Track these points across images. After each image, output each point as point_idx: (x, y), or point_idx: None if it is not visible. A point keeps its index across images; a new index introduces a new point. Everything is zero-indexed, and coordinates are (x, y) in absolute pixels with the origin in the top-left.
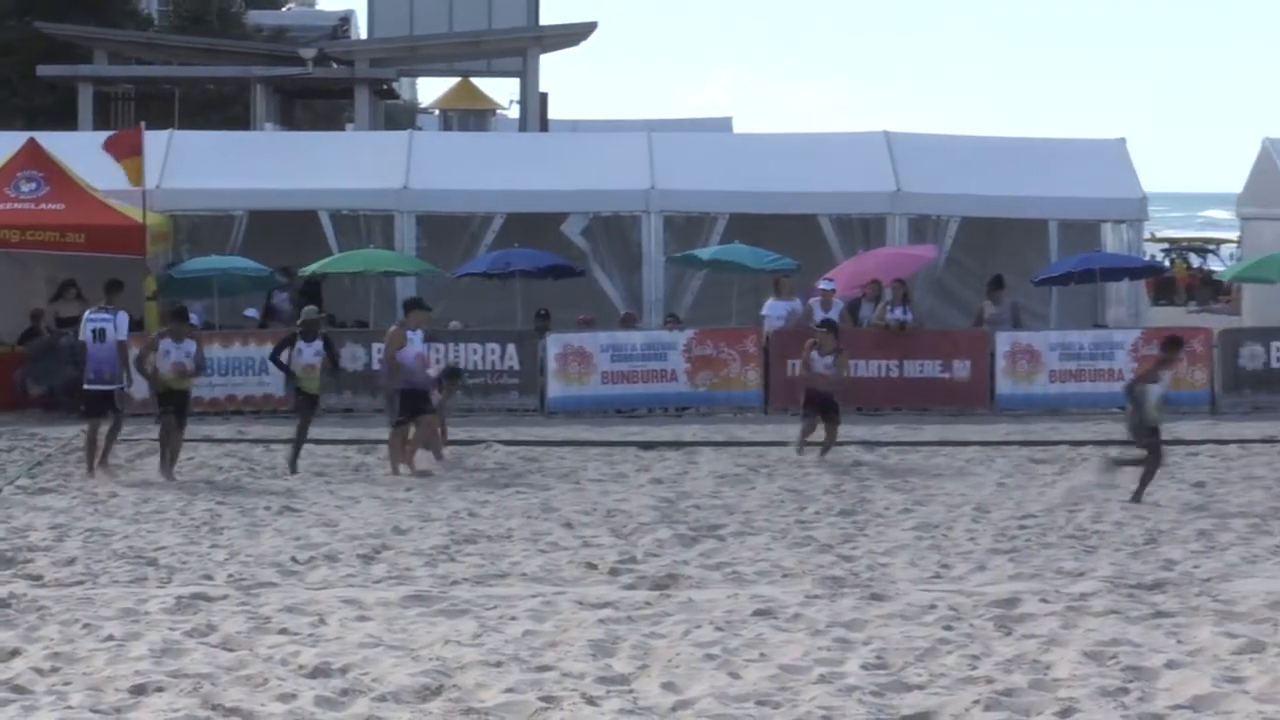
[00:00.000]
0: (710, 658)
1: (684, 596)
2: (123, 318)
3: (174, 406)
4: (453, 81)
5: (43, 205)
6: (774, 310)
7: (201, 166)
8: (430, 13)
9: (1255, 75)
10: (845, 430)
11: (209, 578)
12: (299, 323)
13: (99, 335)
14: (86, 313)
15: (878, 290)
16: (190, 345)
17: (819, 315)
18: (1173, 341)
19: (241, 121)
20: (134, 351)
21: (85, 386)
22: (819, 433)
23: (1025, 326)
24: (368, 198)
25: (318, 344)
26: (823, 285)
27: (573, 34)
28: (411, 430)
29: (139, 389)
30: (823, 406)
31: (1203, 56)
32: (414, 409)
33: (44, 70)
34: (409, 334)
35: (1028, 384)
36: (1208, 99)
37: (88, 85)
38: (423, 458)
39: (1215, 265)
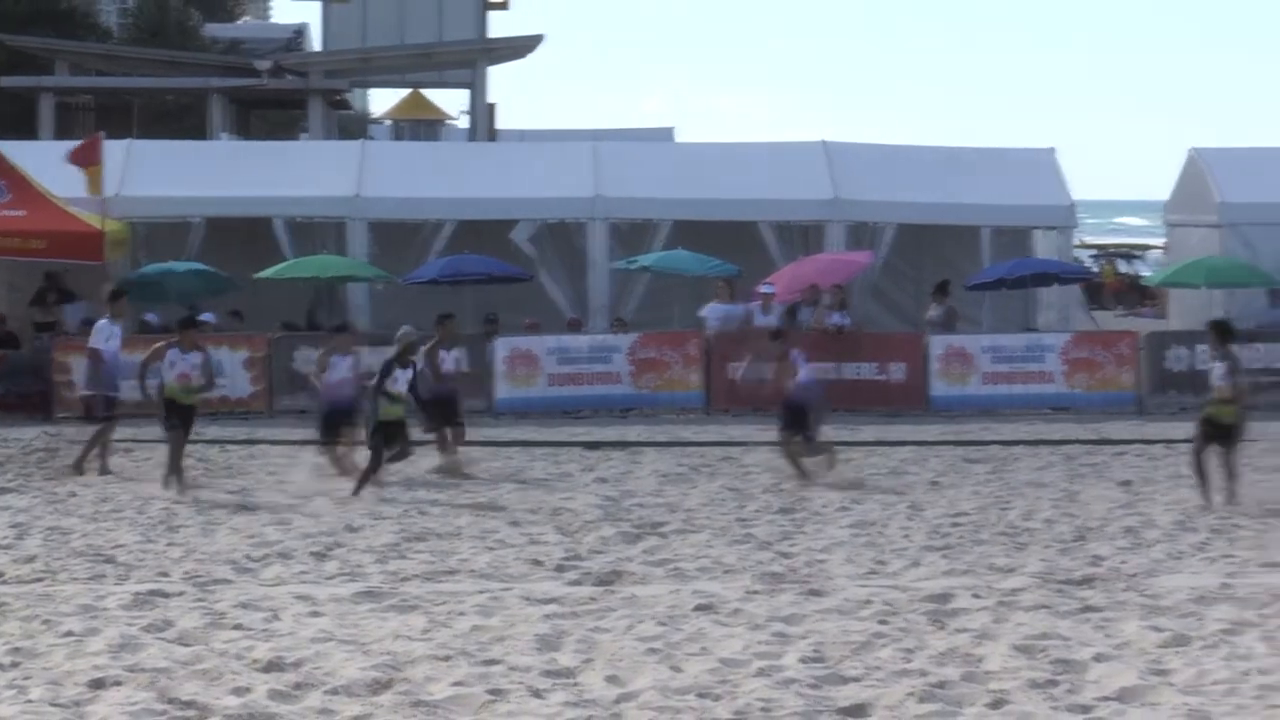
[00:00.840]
0: (653, 651)
1: (627, 592)
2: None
3: (179, 420)
4: (404, 92)
5: (4, 212)
6: (714, 312)
7: (159, 175)
8: (382, 26)
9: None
10: None
11: (166, 575)
12: (398, 343)
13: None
14: (102, 322)
15: (815, 295)
16: (197, 356)
17: (760, 319)
18: None
19: (198, 131)
20: (131, 359)
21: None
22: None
23: (959, 330)
24: (321, 205)
25: (409, 371)
26: (763, 289)
27: (520, 47)
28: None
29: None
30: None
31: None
32: (335, 427)
33: (6, 81)
34: (335, 359)
35: (961, 385)
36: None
37: (49, 95)
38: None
39: (1143, 270)
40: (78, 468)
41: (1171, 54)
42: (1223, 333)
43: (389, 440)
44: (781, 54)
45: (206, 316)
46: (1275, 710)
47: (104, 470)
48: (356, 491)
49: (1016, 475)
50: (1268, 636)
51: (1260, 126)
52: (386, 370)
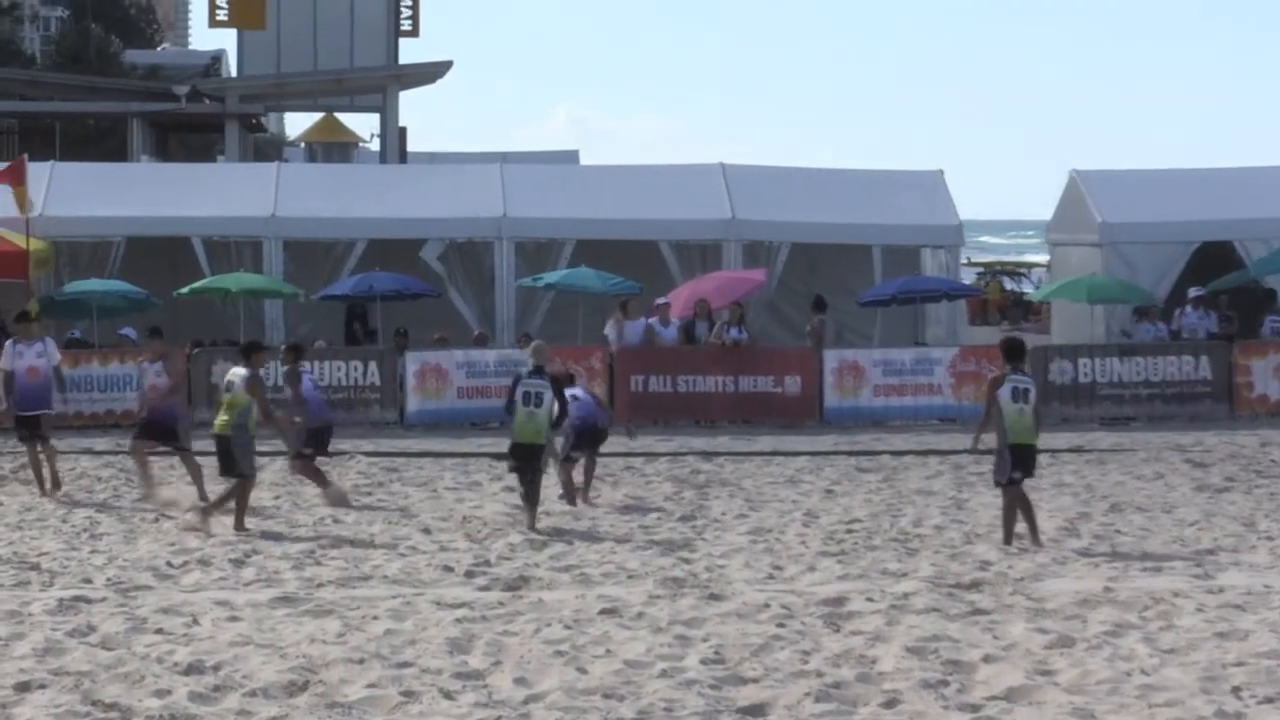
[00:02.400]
0: (559, 654)
1: (535, 597)
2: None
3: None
4: (318, 116)
5: None
6: (615, 330)
7: (81, 196)
8: (296, 52)
9: (1060, 112)
10: (683, 442)
11: (89, 581)
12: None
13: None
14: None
15: (706, 310)
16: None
17: (660, 332)
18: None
19: (119, 154)
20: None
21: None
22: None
23: (848, 344)
24: (237, 225)
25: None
26: (660, 301)
27: (430, 73)
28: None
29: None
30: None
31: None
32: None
33: None
34: (145, 364)
35: (854, 398)
36: (1018, 134)
37: None
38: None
39: (1026, 288)
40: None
41: (1053, 79)
42: (1012, 352)
43: (521, 468)
44: (681, 79)
45: (127, 331)
46: (1156, 709)
47: (49, 485)
48: (531, 524)
49: (907, 483)
50: (1148, 638)
51: (1137, 150)
52: (516, 385)
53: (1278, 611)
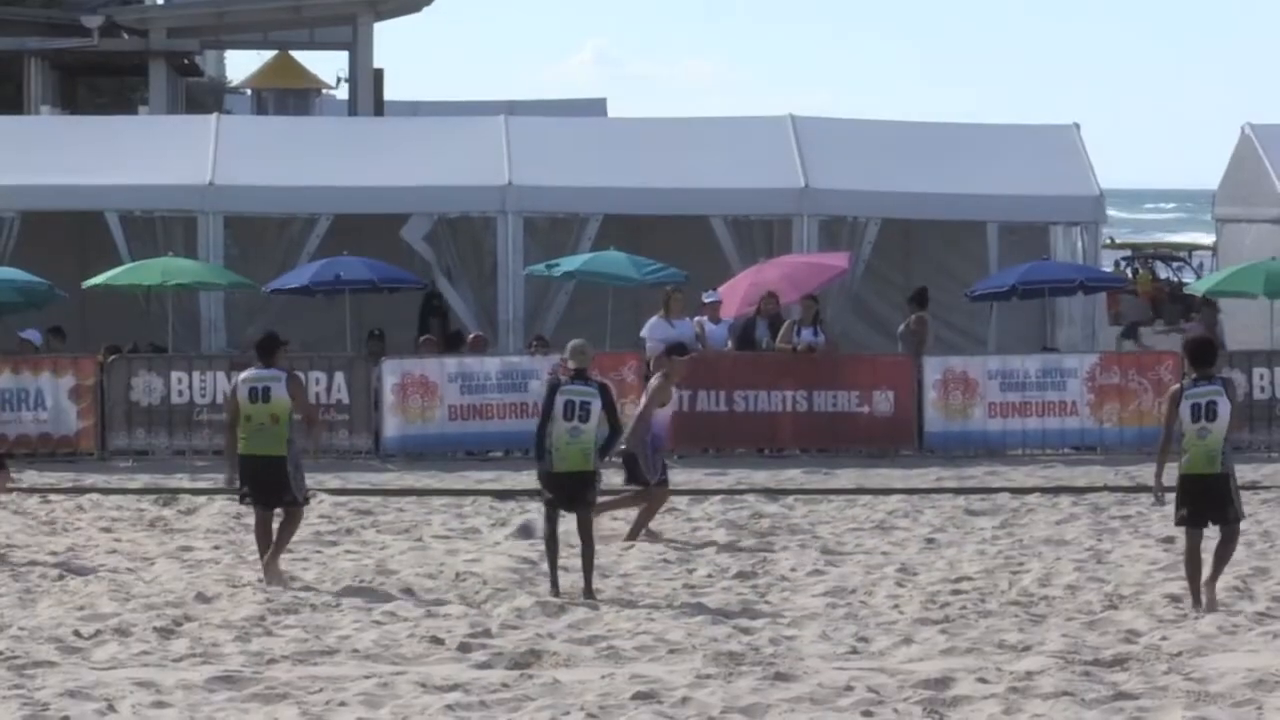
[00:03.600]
0: None
1: (549, 677)
2: None
3: None
4: (268, 55)
5: None
6: (656, 331)
7: None
8: None
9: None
10: (743, 476)
11: None
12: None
13: None
14: None
15: (774, 306)
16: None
17: (710, 333)
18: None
19: (13, 104)
20: None
21: None
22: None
23: (955, 350)
24: (165, 196)
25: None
26: (708, 298)
27: None
28: None
29: None
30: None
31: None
32: None
33: None
34: None
35: (962, 419)
36: (1173, 81)
37: None
38: None
39: (1187, 277)
40: None
41: (1218, 15)
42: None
43: (559, 503)
44: (737, 10)
45: (29, 335)
46: None
47: None
48: (554, 587)
49: (1032, 530)
50: None
51: None
52: (553, 394)
53: None
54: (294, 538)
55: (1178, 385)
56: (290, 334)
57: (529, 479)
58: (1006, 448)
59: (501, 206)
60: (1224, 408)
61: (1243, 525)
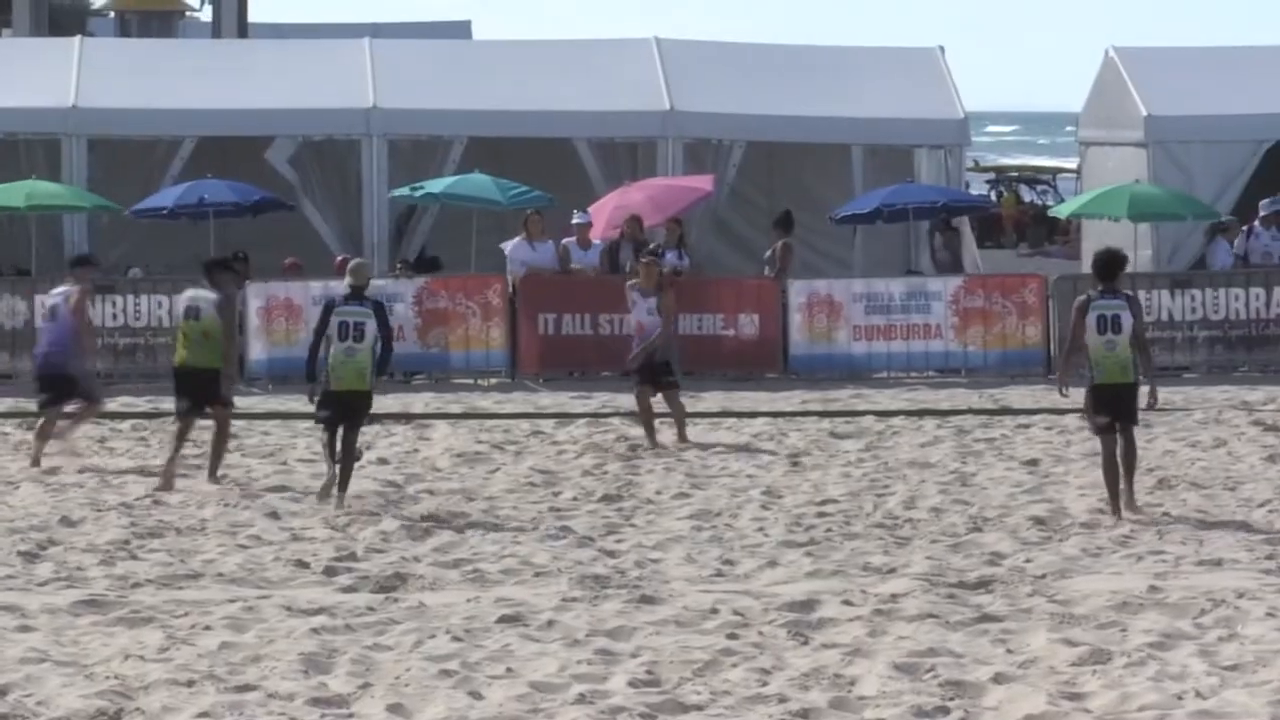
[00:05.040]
0: (446, 674)
1: (414, 600)
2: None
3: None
4: None
5: None
6: (519, 251)
7: None
8: None
9: None
10: (608, 399)
11: None
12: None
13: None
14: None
15: (637, 229)
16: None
17: (577, 257)
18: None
19: None
20: None
21: None
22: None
23: (819, 273)
24: (28, 119)
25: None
26: (577, 219)
27: None
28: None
29: None
30: (648, 372)
31: None
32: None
33: None
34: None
35: (827, 342)
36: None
37: None
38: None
39: (1050, 200)
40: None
41: None
42: (1106, 267)
43: (335, 422)
44: None
45: None
46: None
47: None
48: (329, 491)
49: (896, 453)
50: (1205, 651)
51: (1192, 23)
52: (328, 314)
53: None
54: (161, 461)
55: (1084, 296)
56: (154, 258)
57: (395, 402)
58: (871, 371)
59: (366, 129)
60: (1127, 321)
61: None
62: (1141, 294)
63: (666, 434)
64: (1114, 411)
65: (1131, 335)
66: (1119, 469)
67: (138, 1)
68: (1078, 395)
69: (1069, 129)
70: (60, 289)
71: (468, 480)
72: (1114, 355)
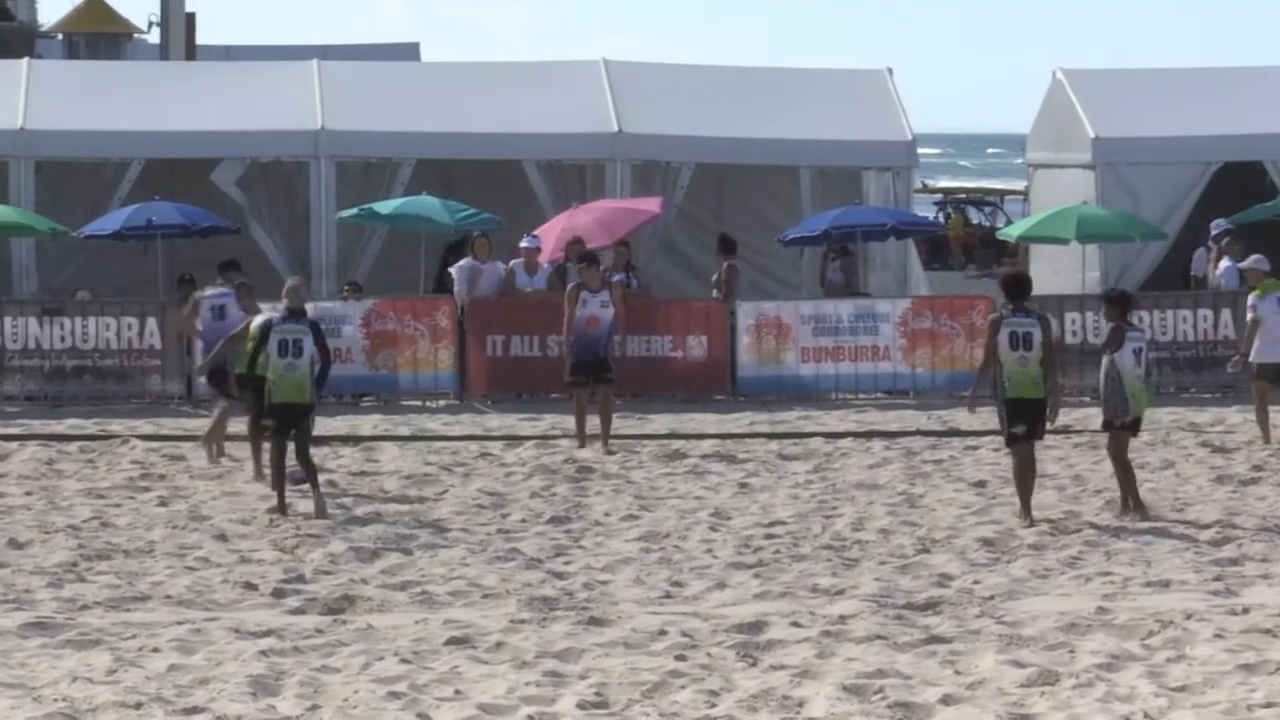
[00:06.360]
0: (395, 695)
1: (362, 622)
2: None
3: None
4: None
5: None
6: (464, 272)
7: None
8: None
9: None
10: (557, 420)
11: None
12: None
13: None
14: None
15: (580, 251)
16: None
17: (522, 281)
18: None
19: None
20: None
21: None
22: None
23: (768, 295)
24: None
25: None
26: (525, 243)
27: None
28: None
29: None
30: (594, 368)
31: None
32: None
33: None
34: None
35: (775, 364)
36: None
37: None
38: None
39: (999, 222)
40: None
41: None
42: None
43: (283, 431)
44: None
45: None
46: None
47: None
48: (281, 505)
49: (844, 475)
50: (1153, 673)
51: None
52: (267, 333)
53: None
54: (108, 484)
55: (997, 314)
56: (102, 280)
57: (343, 423)
58: (819, 392)
59: (314, 151)
60: (1038, 338)
61: (1055, 469)
62: (1090, 315)
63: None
64: (1026, 423)
65: (1040, 352)
66: (1031, 477)
67: (85, 24)
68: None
69: (991, 151)
70: (216, 290)
71: (415, 502)
72: (1026, 371)
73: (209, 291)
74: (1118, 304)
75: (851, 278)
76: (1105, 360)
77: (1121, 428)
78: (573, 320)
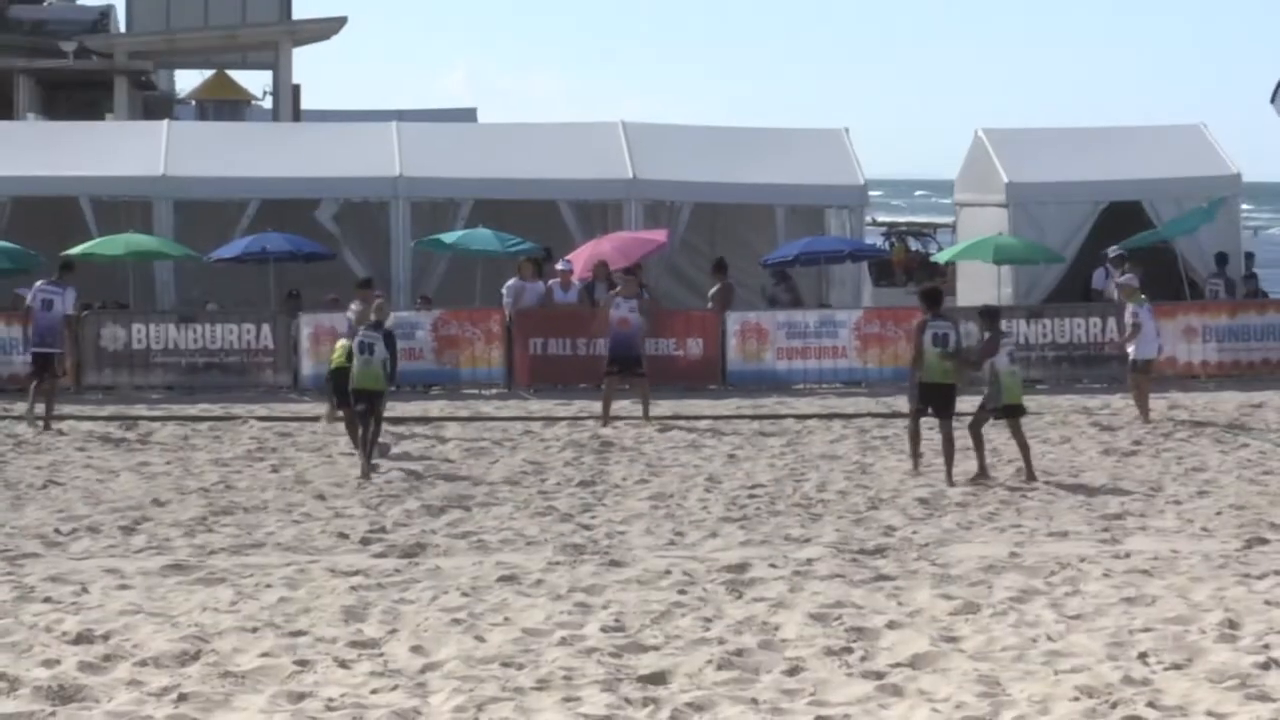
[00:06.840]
0: (457, 622)
1: (431, 564)
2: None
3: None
4: (209, 74)
5: None
6: (511, 290)
7: None
8: (186, 7)
9: (968, 70)
10: (583, 406)
11: None
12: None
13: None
14: (38, 284)
15: (605, 272)
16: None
17: (559, 296)
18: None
19: (5, 112)
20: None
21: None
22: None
23: (750, 306)
24: (127, 185)
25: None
26: (560, 266)
27: (324, 29)
28: None
29: None
30: (626, 363)
31: (920, 52)
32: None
33: None
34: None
35: (757, 361)
36: (924, 91)
37: None
38: None
39: (932, 248)
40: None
41: (960, 39)
42: (930, 299)
43: (364, 412)
44: (581, 36)
45: (22, 291)
46: (1062, 675)
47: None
48: (365, 473)
49: (811, 448)
50: (1054, 604)
51: (1045, 110)
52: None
53: (1184, 577)
54: (231, 455)
55: (921, 319)
56: (226, 295)
57: (416, 408)
58: (792, 383)
59: (394, 193)
60: (953, 337)
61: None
62: (1004, 323)
63: (623, 428)
64: (933, 403)
65: (954, 348)
66: (919, 439)
67: (213, 92)
68: (960, 403)
69: (918, 192)
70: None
71: (473, 469)
72: (940, 363)
73: (39, 284)
74: (991, 316)
75: (794, 295)
76: (987, 364)
77: (984, 409)
78: (606, 319)
